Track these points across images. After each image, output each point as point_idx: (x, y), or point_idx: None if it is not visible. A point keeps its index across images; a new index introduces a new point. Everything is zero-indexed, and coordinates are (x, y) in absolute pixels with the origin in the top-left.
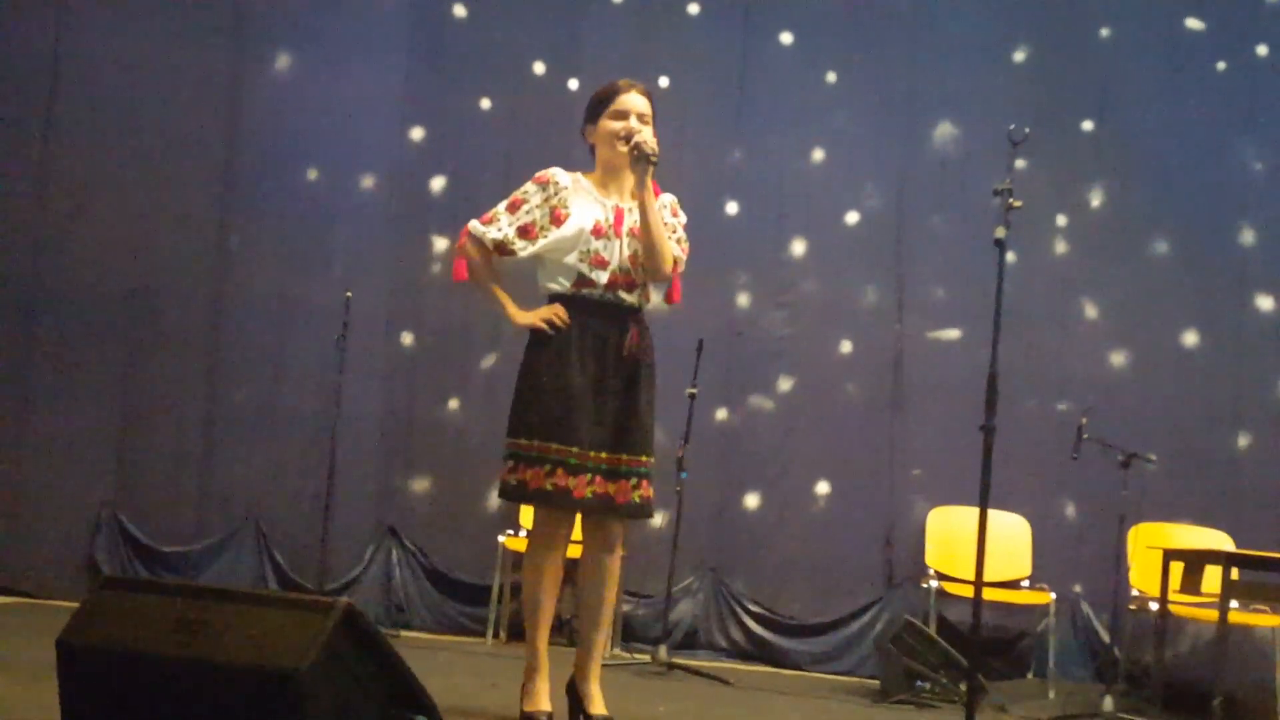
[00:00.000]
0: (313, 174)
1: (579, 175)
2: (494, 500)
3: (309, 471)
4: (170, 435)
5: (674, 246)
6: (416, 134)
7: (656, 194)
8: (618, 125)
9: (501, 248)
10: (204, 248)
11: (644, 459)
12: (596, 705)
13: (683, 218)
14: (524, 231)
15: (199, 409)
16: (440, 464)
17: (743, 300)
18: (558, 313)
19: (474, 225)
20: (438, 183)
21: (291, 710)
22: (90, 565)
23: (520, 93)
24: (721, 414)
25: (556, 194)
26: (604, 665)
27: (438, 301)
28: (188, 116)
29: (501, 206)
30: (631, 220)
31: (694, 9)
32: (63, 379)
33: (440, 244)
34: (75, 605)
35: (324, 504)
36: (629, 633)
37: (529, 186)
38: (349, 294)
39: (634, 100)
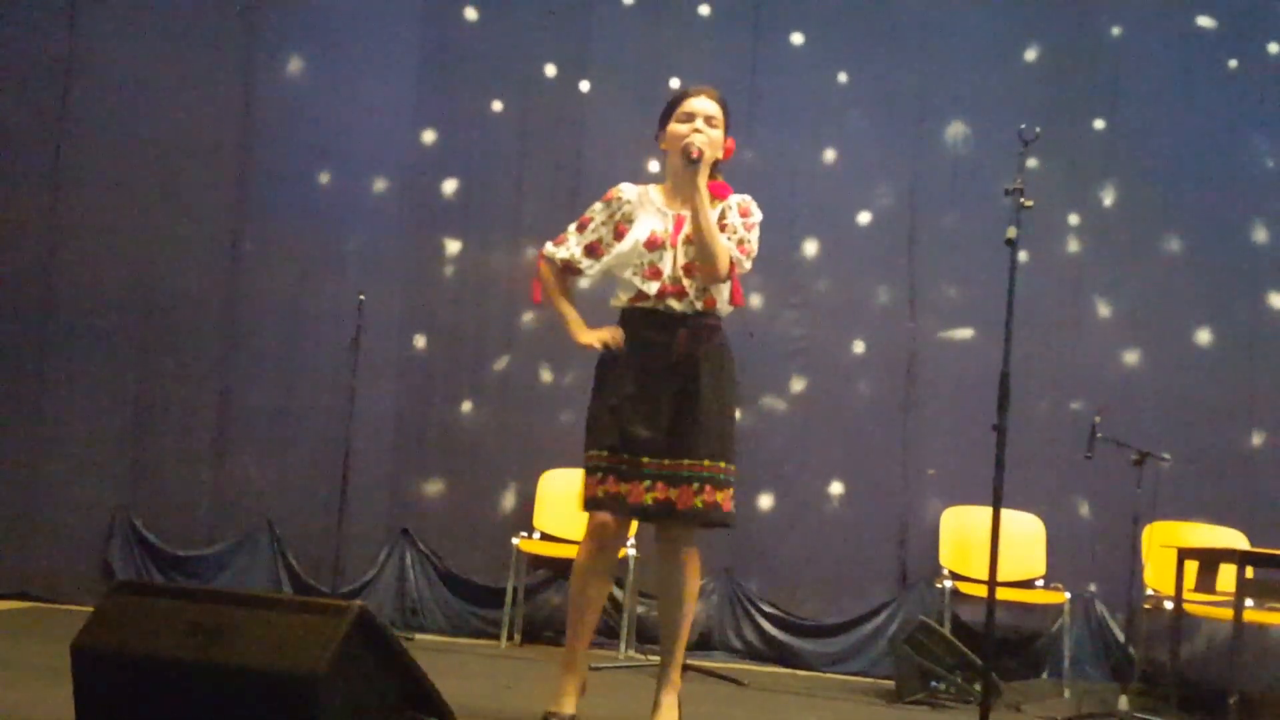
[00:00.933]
0: (325, 177)
1: (650, 187)
2: (507, 503)
3: (322, 475)
4: (184, 439)
5: (731, 247)
6: (428, 137)
7: (725, 194)
8: (682, 128)
9: (570, 267)
10: (217, 251)
11: (706, 463)
12: (661, 713)
13: (755, 217)
14: (590, 250)
15: (212, 412)
16: (454, 466)
17: (755, 301)
18: (615, 336)
19: (547, 247)
20: (450, 185)
21: (306, 714)
22: (104, 570)
23: (531, 95)
24: (735, 415)
25: (620, 209)
26: (620, 667)
27: (450, 304)
28: (200, 121)
29: (571, 227)
30: (690, 227)
31: (704, 10)
32: (76, 383)
33: (453, 246)
34: (89, 610)
35: (338, 507)
36: (643, 634)
37: (596, 205)
38: (362, 297)
39: (699, 104)
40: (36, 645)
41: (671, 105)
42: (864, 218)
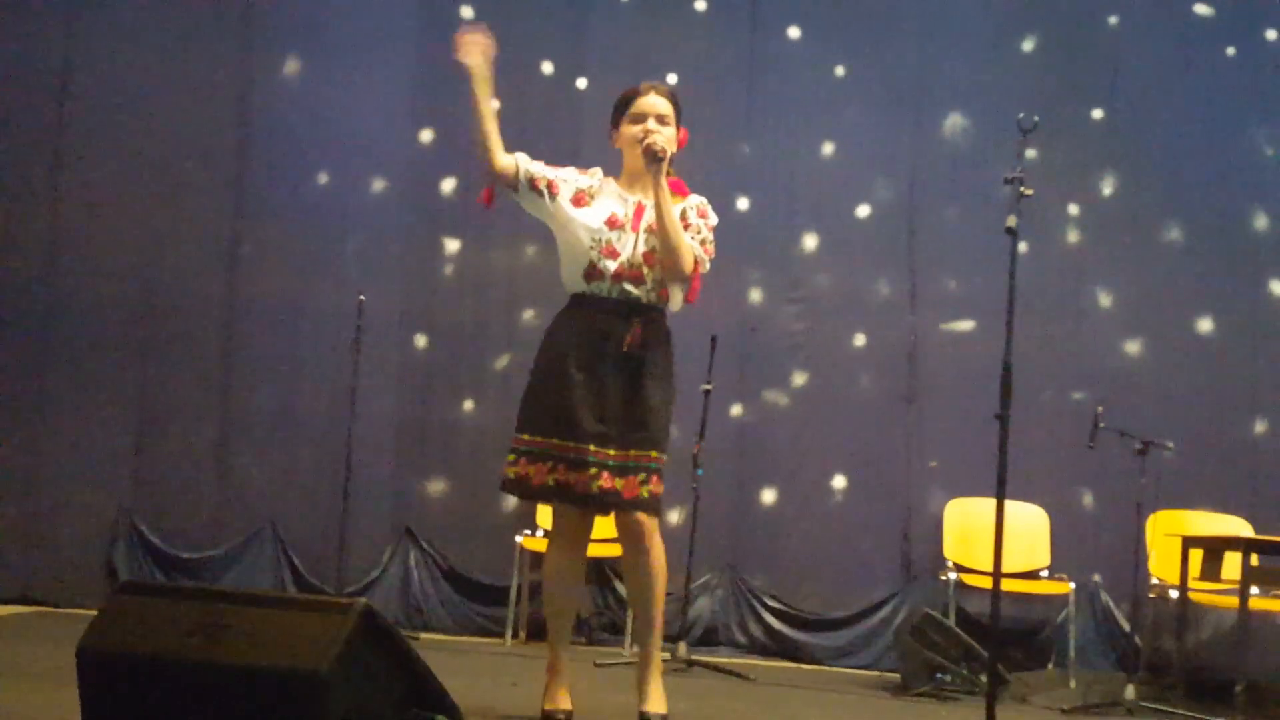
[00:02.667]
0: (323, 178)
1: (609, 179)
2: (511, 500)
3: (325, 475)
4: (186, 441)
5: (695, 247)
6: (426, 136)
7: (684, 194)
8: (636, 129)
9: (531, 180)
10: (217, 253)
11: (653, 454)
12: (650, 702)
13: (712, 219)
14: (550, 185)
15: (214, 415)
16: (456, 465)
17: (755, 296)
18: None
19: (519, 154)
20: (448, 184)
21: (312, 711)
22: (108, 573)
23: (528, 92)
24: (736, 410)
25: (589, 183)
26: (624, 664)
27: (451, 303)
28: (198, 122)
29: (539, 162)
30: (651, 217)
31: (701, 5)
32: (77, 387)
33: (452, 245)
34: (94, 613)
35: (341, 507)
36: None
37: (570, 167)
38: (362, 297)
39: (652, 102)
40: (41, 649)
41: (622, 104)
42: (863, 211)
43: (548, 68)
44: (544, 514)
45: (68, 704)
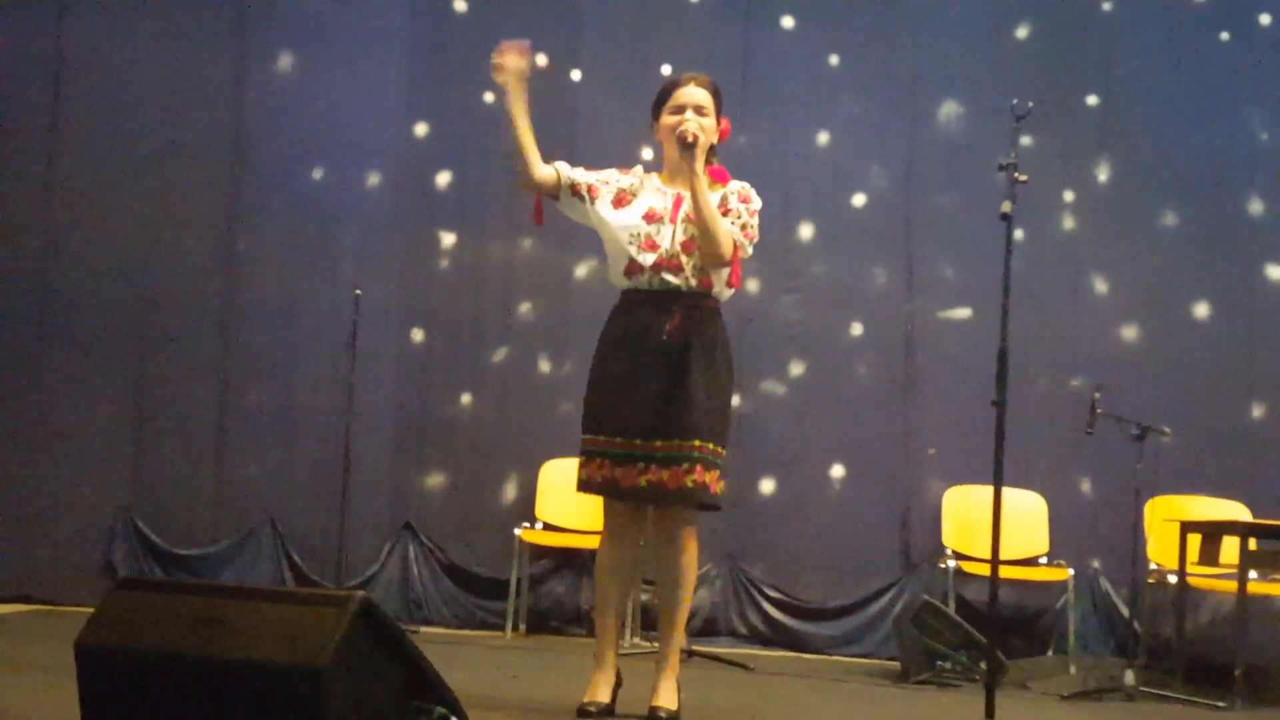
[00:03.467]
0: (318, 173)
1: (652, 174)
2: (510, 493)
3: (323, 471)
4: (183, 438)
5: (734, 231)
6: (421, 130)
7: (725, 180)
8: (673, 120)
9: (573, 185)
10: (212, 248)
11: (695, 443)
12: (659, 698)
13: (755, 204)
14: (590, 189)
15: (211, 411)
16: (455, 459)
17: (752, 286)
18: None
19: (559, 163)
20: (443, 178)
21: (312, 705)
22: (107, 571)
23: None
24: (734, 400)
25: (630, 183)
26: (625, 655)
27: (447, 297)
28: (191, 118)
29: (579, 168)
30: (689, 206)
31: None
32: (74, 384)
33: (448, 239)
34: (93, 611)
35: (339, 502)
36: (647, 621)
37: (610, 169)
38: (358, 292)
39: (690, 94)
40: (40, 647)
41: (662, 96)
42: (859, 200)
43: (541, 60)
44: (542, 506)
45: (67, 701)
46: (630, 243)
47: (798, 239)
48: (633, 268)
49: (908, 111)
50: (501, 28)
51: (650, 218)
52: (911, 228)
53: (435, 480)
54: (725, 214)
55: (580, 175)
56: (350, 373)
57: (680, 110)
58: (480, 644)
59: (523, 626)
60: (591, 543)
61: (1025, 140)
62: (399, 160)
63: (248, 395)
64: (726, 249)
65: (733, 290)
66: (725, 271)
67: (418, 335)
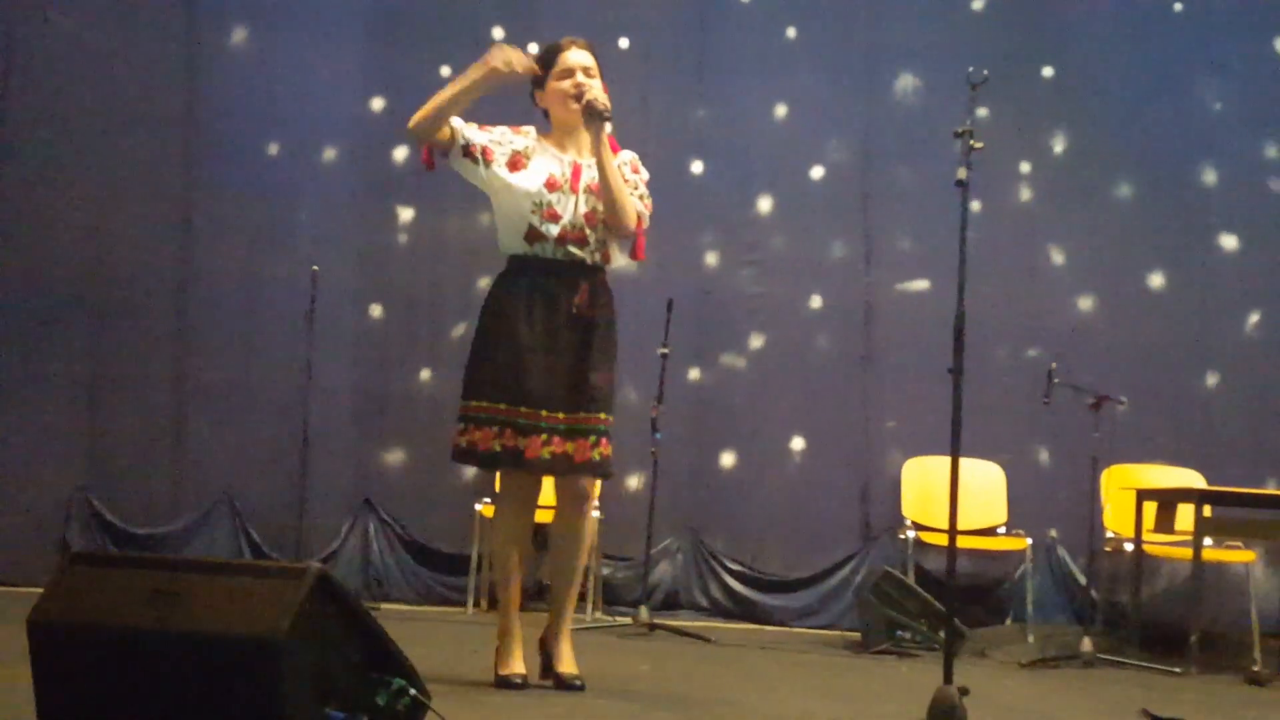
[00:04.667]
0: (274, 149)
1: (542, 137)
2: (470, 470)
3: (282, 447)
4: (140, 416)
5: (636, 202)
6: (377, 104)
7: (615, 151)
8: (566, 84)
9: (467, 145)
10: (167, 226)
11: (601, 416)
12: (565, 663)
13: (645, 174)
14: (485, 151)
15: (168, 389)
16: (414, 435)
17: (711, 259)
18: (523, 60)
19: (453, 117)
20: (401, 153)
21: (269, 677)
22: (63, 550)
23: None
24: (694, 374)
25: (523, 145)
26: (587, 629)
27: (406, 272)
28: (145, 95)
29: (473, 125)
30: (589, 176)
31: None
32: (29, 363)
33: (406, 214)
34: None
35: (298, 479)
36: (610, 595)
37: (502, 127)
38: (316, 268)
39: (577, 56)
40: None
41: (546, 60)
42: (817, 172)
43: (499, 33)
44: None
45: (21, 681)
46: (533, 210)
47: (756, 212)
48: (534, 235)
49: (865, 84)
50: (458, 1)
51: (551, 185)
52: (869, 200)
53: (395, 456)
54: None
55: (474, 135)
56: (309, 349)
57: (570, 73)
58: (441, 620)
59: (483, 602)
60: (550, 517)
61: (981, 112)
62: (356, 135)
63: (205, 372)
64: (633, 220)
65: (636, 262)
66: (628, 244)
67: (376, 311)
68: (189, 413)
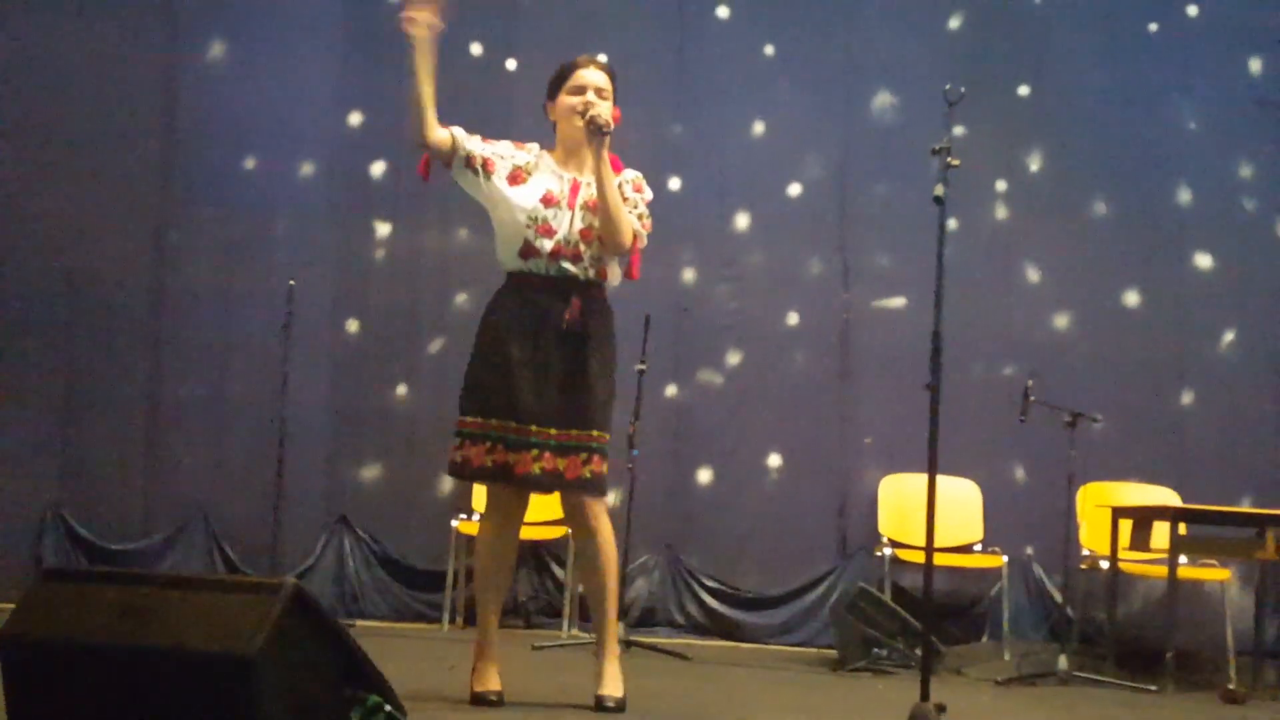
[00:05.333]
0: (251, 163)
1: (545, 152)
2: (446, 485)
3: (257, 463)
4: (114, 431)
5: (634, 221)
6: (355, 119)
7: (618, 169)
8: (575, 100)
9: (468, 157)
10: (143, 240)
11: (594, 434)
12: (605, 685)
13: (647, 194)
14: (486, 163)
15: (143, 404)
16: (390, 451)
17: (688, 275)
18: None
19: (455, 128)
20: (378, 167)
21: (244, 693)
22: (37, 566)
23: (457, 75)
24: (671, 390)
25: (526, 159)
26: (562, 645)
27: (383, 287)
28: (121, 109)
29: (476, 137)
30: (587, 194)
31: None
32: (1, 377)
33: (383, 229)
34: None
35: (274, 495)
36: (586, 612)
37: (506, 141)
38: (292, 282)
39: (591, 75)
40: None
41: (560, 75)
42: (794, 189)
43: (477, 49)
44: (479, 497)
45: None
46: (528, 225)
47: (734, 228)
48: (528, 250)
49: (842, 101)
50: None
51: (548, 201)
52: (846, 217)
53: (370, 472)
54: (623, 202)
55: (476, 147)
56: (284, 364)
57: (581, 90)
58: (417, 636)
59: (459, 619)
60: (529, 534)
61: (958, 129)
62: (333, 150)
63: (180, 387)
64: (628, 239)
65: (629, 280)
66: (623, 261)
67: (353, 326)
68: (163, 427)
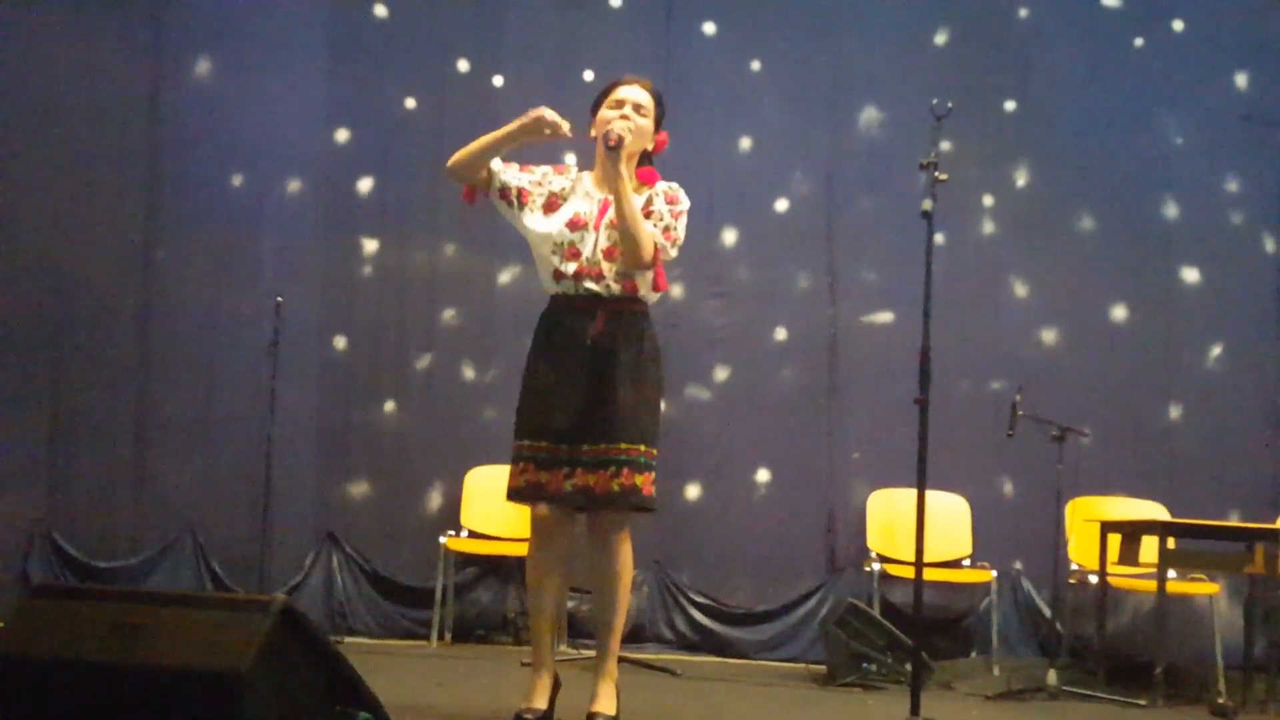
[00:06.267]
0: (237, 180)
1: (584, 173)
2: (434, 502)
3: (245, 480)
4: (102, 449)
5: (656, 234)
6: (342, 136)
7: (652, 181)
8: (611, 114)
9: (504, 188)
10: (130, 258)
11: (622, 446)
12: (598, 703)
13: (682, 205)
14: (521, 194)
15: (130, 421)
16: (378, 467)
17: (676, 291)
18: (553, 120)
19: (494, 161)
20: (365, 184)
21: (234, 711)
22: (24, 585)
23: (444, 91)
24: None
25: (561, 186)
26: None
27: (370, 304)
28: (108, 125)
29: (514, 165)
30: (614, 212)
31: (616, 1)
32: None
33: (370, 245)
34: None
35: (261, 512)
36: (575, 628)
37: (545, 167)
38: (279, 299)
39: (629, 91)
40: None
41: (603, 93)
42: (781, 205)
43: (463, 65)
44: (467, 514)
45: None
46: (554, 252)
47: (721, 244)
48: (557, 275)
49: (829, 117)
50: (423, 33)
51: (574, 225)
52: (834, 232)
53: (359, 489)
54: (648, 215)
55: (512, 178)
56: (272, 380)
57: (620, 105)
58: (406, 653)
59: (448, 635)
60: (518, 550)
61: (945, 145)
62: (320, 166)
63: (167, 404)
64: (648, 252)
65: (659, 293)
66: (649, 274)
67: (340, 342)
68: (151, 445)
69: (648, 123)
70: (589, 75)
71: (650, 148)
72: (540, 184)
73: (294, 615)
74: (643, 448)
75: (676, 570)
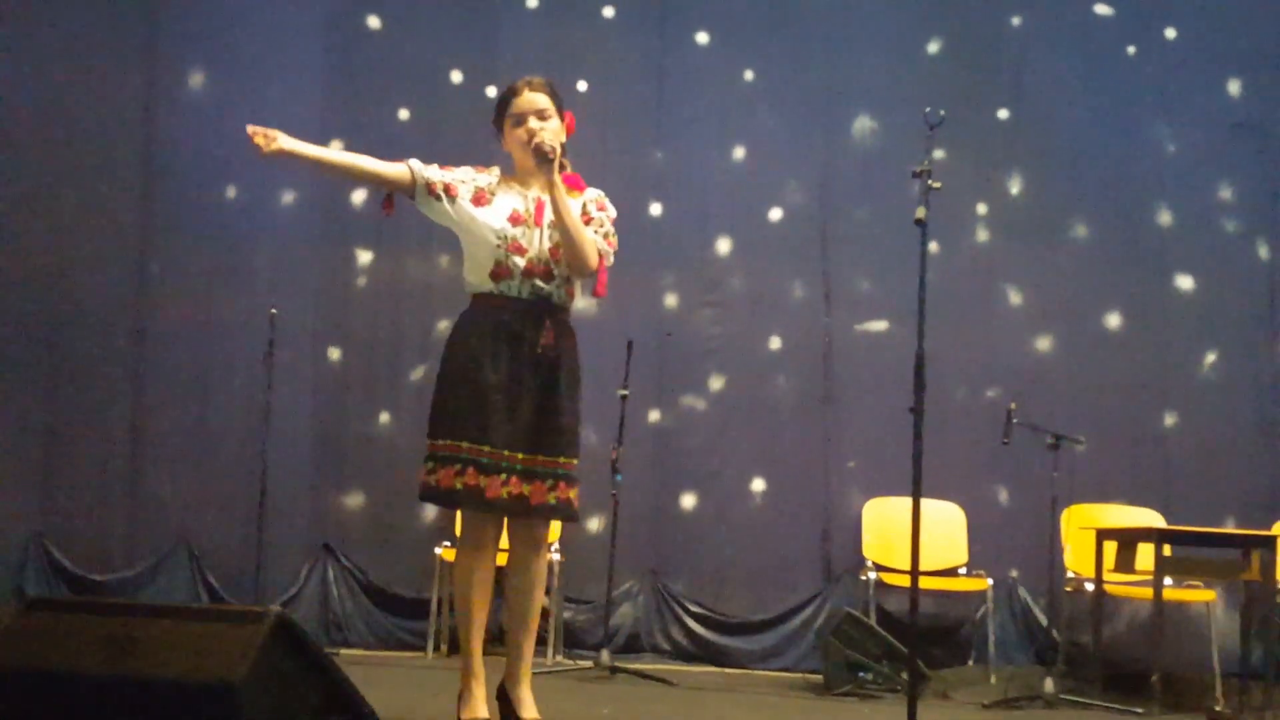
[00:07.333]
0: (232, 191)
1: (507, 176)
2: (429, 513)
3: (240, 492)
4: (97, 461)
5: (599, 240)
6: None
7: (580, 189)
8: (520, 131)
9: (428, 185)
10: (125, 267)
11: (562, 460)
12: (528, 709)
13: (611, 212)
14: (448, 188)
15: (125, 433)
16: (373, 478)
17: (671, 300)
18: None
19: (411, 161)
20: (359, 195)
21: None
22: (19, 598)
23: (438, 102)
24: (654, 415)
25: (486, 182)
26: (548, 672)
27: (364, 315)
28: (103, 138)
29: (434, 165)
30: (551, 216)
31: (609, 12)
32: None
33: (364, 257)
34: None
35: (257, 524)
36: (570, 639)
37: (466, 166)
38: (274, 310)
39: (530, 99)
40: None
41: (501, 106)
42: (776, 214)
43: (457, 76)
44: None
45: None
46: (499, 244)
47: (716, 253)
48: (501, 271)
49: (822, 126)
50: (417, 45)
51: (515, 220)
52: (828, 241)
53: (354, 500)
54: (587, 223)
55: (435, 174)
56: (267, 392)
57: (522, 119)
58: (401, 664)
59: (444, 646)
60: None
61: (938, 153)
62: (314, 178)
63: (162, 416)
64: (593, 259)
65: (596, 299)
66: (590, 281)
67: (335, 354)
68: (146, 456)
69: (555, 123)
70: (583, 85)
71: (563, 139)
72: (464, 180)
73: (289, 627)
74: (575, 461)
75: (672, 580)
